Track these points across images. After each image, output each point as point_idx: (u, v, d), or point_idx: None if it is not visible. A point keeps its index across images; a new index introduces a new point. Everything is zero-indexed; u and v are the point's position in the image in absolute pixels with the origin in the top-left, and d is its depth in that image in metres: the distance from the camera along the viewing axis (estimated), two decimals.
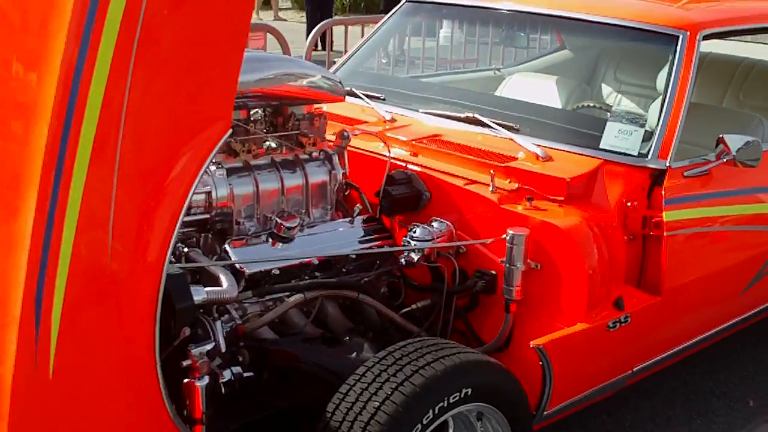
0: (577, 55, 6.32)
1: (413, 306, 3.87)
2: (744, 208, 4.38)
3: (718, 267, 4.34)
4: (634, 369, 4.10)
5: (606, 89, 6.06)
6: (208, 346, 3.16)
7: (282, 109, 3.89)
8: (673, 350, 4.33)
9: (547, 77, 5.47)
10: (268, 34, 8.09)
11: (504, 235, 3.66)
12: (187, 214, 3.53)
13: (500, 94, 5.36)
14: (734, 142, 4.09)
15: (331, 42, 9.66)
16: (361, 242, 3.95)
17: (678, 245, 4.02)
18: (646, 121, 4.16)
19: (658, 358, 4.24)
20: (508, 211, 3.78)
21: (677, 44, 4.32)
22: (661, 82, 4.37)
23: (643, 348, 4.10)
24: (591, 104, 4.87)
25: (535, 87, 5.34)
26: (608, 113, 4.30)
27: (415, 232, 3.82)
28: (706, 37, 4.41)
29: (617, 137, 4.12)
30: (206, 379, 3.11)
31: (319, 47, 10.36)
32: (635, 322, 3.85)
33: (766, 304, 4.90)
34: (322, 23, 8.36)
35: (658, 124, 4.15)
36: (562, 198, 3.87)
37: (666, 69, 4.33)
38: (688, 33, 4.34)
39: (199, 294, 3.19)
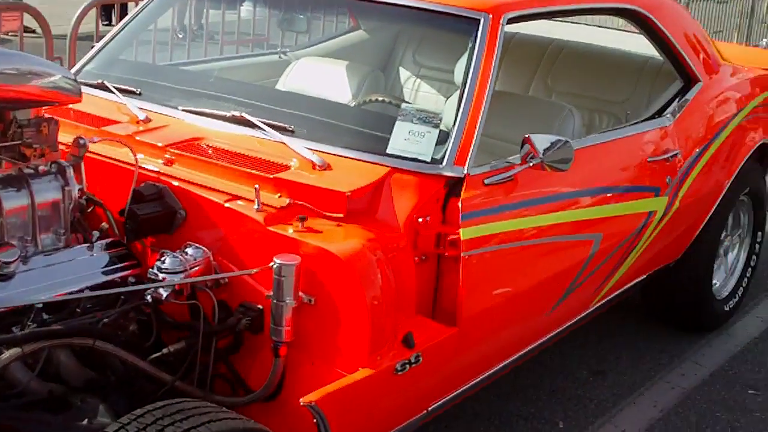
0: (373, 36, 5.74)
1: (164, 350, 3.21)
2: (554, 216, 3.84)
3: (524, 287, 3.81)
4: (430, 408, 3.54)
5: (404, 74, 5.51)
6: None
7: (2, 114, 3.18)
8: (474, 381, 3.79)
9: (337, 63, 4.87)
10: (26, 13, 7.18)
11: (271, 264, 3.05)
12: None
13: (283, 82, 4.74)
14: (541, 142, 3.55)
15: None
16: (104, 273, 3.27)
17: (478, 266, 3.47)
18: (441, 120, 3.58)
19: (457, 392, 3.70)
20: (275, 233, 3.17)
21: (478, 29, 3.77)
22: (459, 73, 3.80)
23: (440, 385, 3.55)
24: (381, 98, 4.27)
25: (323, 75, 4.74)
26: (399, 110, 3.69)
27: (163, 262, 3.17)
28: (511, 21, 3.88)
29: (408, 140, 3.53)
30: None
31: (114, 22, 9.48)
32: (428, 360, 3.28)
33: (579, 316, 4.42)
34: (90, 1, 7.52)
35: (454, 124, 3.58)
36: (341, 215, 3.28)
37: (465, 58, 3.77)
38: (491, 16, 3.79)
39: None
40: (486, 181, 3.54)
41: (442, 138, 3.54)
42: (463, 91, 3.65)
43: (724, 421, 4.64)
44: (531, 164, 3.56)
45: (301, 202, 3.29)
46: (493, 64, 3.70)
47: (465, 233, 3.39)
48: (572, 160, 3.60)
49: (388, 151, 3.52)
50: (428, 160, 3.49)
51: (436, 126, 3.55)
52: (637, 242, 4.45)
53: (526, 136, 3.56)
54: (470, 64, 3.69)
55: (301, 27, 5.17)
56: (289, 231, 3.17)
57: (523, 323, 3.96)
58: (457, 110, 3.61)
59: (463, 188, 3.44)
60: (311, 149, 3.53)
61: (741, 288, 5.64)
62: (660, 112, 4.66)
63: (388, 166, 3.46)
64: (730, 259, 5.60)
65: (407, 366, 3.20)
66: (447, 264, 3.44)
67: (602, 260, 4.22)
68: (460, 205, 3.41)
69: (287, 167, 3.45)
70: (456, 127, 3.56)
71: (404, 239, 3.33)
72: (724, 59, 5.31)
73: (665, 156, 4.50)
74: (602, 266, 4.25)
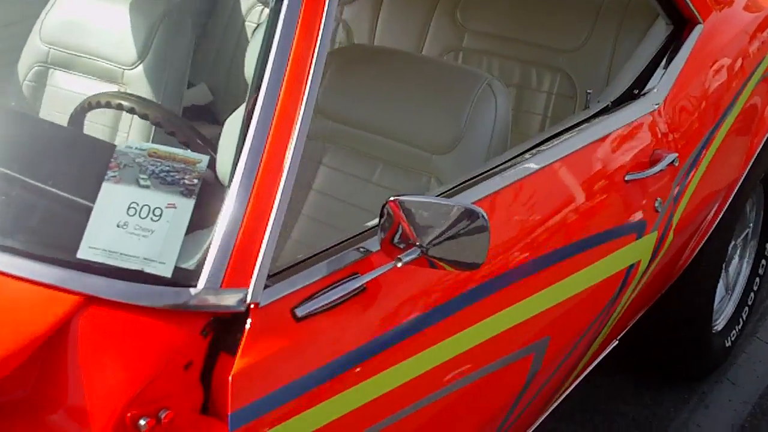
0: None
1: None
2: (456, 342, 1.94)
3: None
4: None
5: None
6: None
7: None
8: None
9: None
10: None
11: None
12: None
13: (38, 35, 2.85)
14: (427, 214, 1.65)
15: None
16: None
17: None
18: (202, 172, 1.65)
19: None
20: None
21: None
22: (249, 66, 1.87)
23: None
24: (105, 100, 2.28)
25: (91, 24, 2.84)
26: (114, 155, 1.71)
27: None
28: None
29: (125, 227, 1.60)
30: None
31: None
32: None
33: None
34: None
35: (233, 178, 1.66)
36: None
37: (258, 38, 1.84)
38: None
39: None
40: (299, 314, 1.63)
41: (202, 219, 1.62)
42: (254, 104, 1.71)
43: None
44: (406, 261, 1.66)
45: None
46: (318, 48, 1.77)
47: None
48: (487, 246, 1.70)
49: (81, 254, 1.58)
50: (167, 273, 1.57)
51: (192, 191, 1.61)
52: (609, 317, 2.59)
53: (391, 199, 1.65)
54: (269, 48, 1.75)
55: None
56: None
57: None
58: (238, 150, 1.67)
59: (245, 337, 1.54)
60: None
61: (745, 311, 3.80)
62: (640, 86, 2.73)
63: (78, 293, 1.54)
64: (731, 273, 3.74)
65: None
66: None
67: (550, 373, 2.35)
68: (229, 380, 1.52)
69: None
70: (237, 186, 1.64)
71: None
72: None
73: (655, 168, 2.57)
74: (551, 380, 2.38)
